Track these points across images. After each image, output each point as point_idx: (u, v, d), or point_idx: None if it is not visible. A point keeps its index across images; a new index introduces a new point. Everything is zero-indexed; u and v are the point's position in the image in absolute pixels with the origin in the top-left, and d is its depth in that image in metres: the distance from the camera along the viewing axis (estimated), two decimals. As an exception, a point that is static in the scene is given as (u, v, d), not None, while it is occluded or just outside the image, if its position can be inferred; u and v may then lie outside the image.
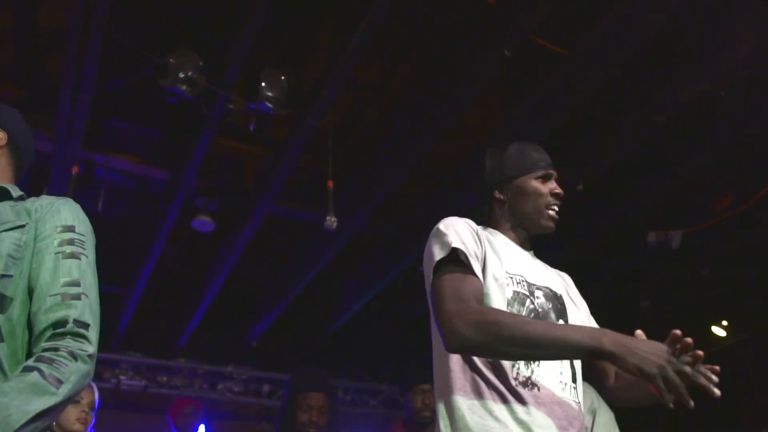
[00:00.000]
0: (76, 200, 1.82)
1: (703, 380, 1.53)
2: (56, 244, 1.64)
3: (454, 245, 1.81)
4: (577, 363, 1.89)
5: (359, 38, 3.57)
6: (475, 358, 1.77)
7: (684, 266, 5.84)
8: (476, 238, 1.90)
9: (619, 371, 1.93)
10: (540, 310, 1.86)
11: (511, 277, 1.87)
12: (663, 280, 6.11)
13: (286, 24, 3.96)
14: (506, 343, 1.61)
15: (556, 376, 1.79)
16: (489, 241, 1.94)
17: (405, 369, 3.99)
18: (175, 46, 3.78)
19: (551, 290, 1.95)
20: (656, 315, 6.35)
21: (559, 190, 2.07)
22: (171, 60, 3.73)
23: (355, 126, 4.74)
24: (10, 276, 1.57)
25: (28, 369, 1.45)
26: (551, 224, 2.06)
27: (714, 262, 5.77)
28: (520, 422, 1.68)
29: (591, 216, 5.19)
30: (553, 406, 1.74)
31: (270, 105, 3.92)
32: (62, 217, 1.69)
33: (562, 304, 1.94)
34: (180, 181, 4.59)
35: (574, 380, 1.84)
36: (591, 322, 2.07)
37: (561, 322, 1.88)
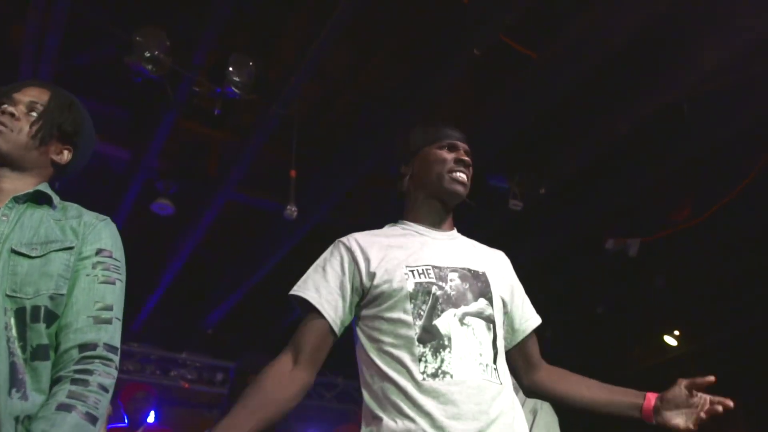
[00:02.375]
0: None
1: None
2: (94, 267, 1.66)
3: (296, 292, 1.91)
4: (500, 342, 1.85)
5: (330, 29, 3.56)
6: (382, 366, 1.78)
7: (640, 274, 5.94)
8: (351, 261, 1.90)
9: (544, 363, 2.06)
10: (453, 292, 1.82)
11: (412, 270, 1.85)
12: (619, 287, 6.20)
13: (257, 10, 3.92)
14: None
15: (473, 359, 1.75)
16: (387, 244, 1.93)
17: None
18: (142, 24, 3.71)
19: (470, 270, 1.89)
20: (611, 321, 6.45)
21: (464, 157, 2.00)
22: (137, 38, 3.66)
23: (322, 117, 4.72)
24: (62, 295, 1.59)
25: (65, 408, 1.47)
26: (456, 187, 1.98)
27: (670, 272, 5.86)
28: (426, 415, 1.68)
29: (551, 220, 5.24)
30: (470, 392, 1.71)
31: (236, 90, 3.87)
32: (102, 240, 1.71)
33: (485, 281, 1.88)
34: (141, 162, 4.52)
35: (495, 361, 1.80)
36: (525, 304, 2.06)
37: (481, 300, 1.84)
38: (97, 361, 1.56)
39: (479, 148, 4.46)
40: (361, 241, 1.95)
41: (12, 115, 1.71)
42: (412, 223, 2.02)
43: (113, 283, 1.68)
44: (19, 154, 1.71)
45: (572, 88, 4.01)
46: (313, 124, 4.70)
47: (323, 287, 1.88)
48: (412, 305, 1.79)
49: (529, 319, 2.04)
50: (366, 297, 1.86)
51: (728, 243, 5.56)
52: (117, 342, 1.63)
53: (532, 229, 5.33)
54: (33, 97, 1.77)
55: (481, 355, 1.77)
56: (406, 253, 1.90)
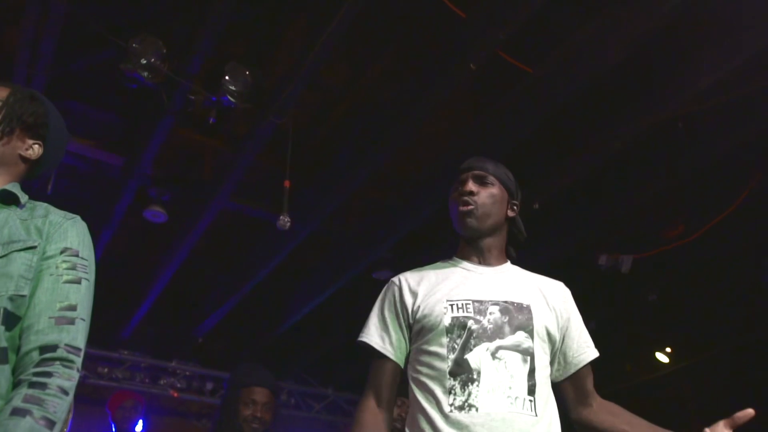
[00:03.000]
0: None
1: None
2: (58, 267, 1.62)
3: (363, 339, 2.06)
4: (540, 374, 1.88)
5: (327, 39, 3.56)
6: (418, 396, 1.91)
7: (632, 291, 5.93)
8: (399, 299, 2.04)
9: (598, 398, 2.07)
10: (490, 326, 1.88)
11: (452, 304, 1.93)
12: (611, 303, 6.19)
13: (254, 19, 3.93)
14: None
15: (502, 392, 1.81)
16: (435, 280, 2.03)
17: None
18: (139, 31, 3.70)
19: (513, 303, 1.94)
20: (602, 337, 6.42)
21: (465, 188, 2.06)
22: (134, 45, 3.66)
23: (317, 128, 4.72)
24: (23, 296, 1.56)
25: (20, 413, 1.42)
26: (464, 221, 2.05)
27: (662, 289, 5.86)
28: None
29: (544, 235, 5.24)
30: (494, 424, 1.76)
31: (232, 99, 3.87)
32: (68, 239, 1.67)
33: (528, 314, 1.93)
34: (135, 168, 4.51)
35: (531, 393, 1.84)
36: (581, 337, 2.08)
37: (519, 333, 1.89)
38: (57, 362, 1.52)
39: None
40: (410, 278, 2.07)
41: None
42: (459, 260, 2.11)
43: (79, 282, 1.64)
44: None
45: (567, 104, 4.01)
46: (308, 134, 4.70)
47: (385, 332, 2.03)
48: (447, 339, 1.89)
49: (583, 352, 2.06)
50: (412, 330, 2.00)
51: (721, 260, 5.57)
52: (80, 343, 1.58)
53: (524, 243, 5.32)
54: None
55: (510, 388, 1.82)
56: (448, 287, 2.00)
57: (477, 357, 1.85)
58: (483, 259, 2.08)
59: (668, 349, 6.88)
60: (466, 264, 2.08)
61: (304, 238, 5.04)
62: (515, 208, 2.16)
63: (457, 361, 1.85)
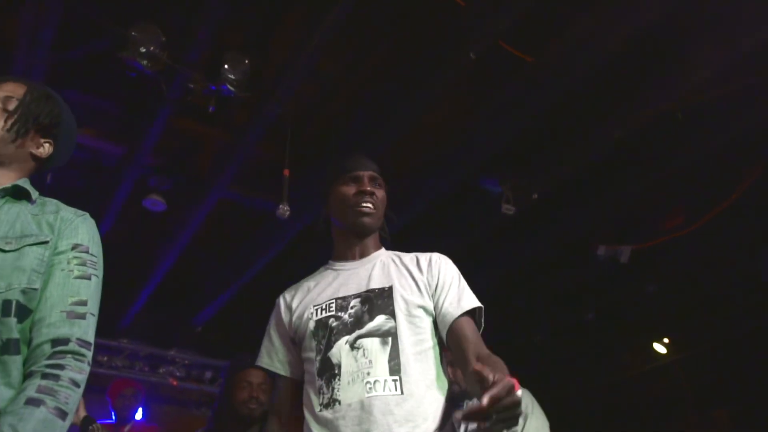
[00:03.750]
0: None
1: None
2: (69, 263, 1.66)
3: (256, 363, 2.13)
4: (406, 352, 1.84)
5: (326, 28, 3.55)
6: (303, 401, 1.94)
7: (631, 282, 5.94)
8: (280, 318, 2.09)
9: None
10: (351, 320, 1.91)
11: (318, 307, 1.99)
12: (609, 294, 6.20)
13: (253, 7, 3.91)
14: None
15: (360, 380, 1.81)
16: (308, 287, 2.09)
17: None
18: (137, 19, 3.69)
19: (374, 290, 1.96)
20: (601, 328, 6.46)
21: (365, 188, 2.08)
22: (133, 33, 3.65)
23: (316, 117, 4.70)
24: (35, 289, 1.59)
25: (34, 402, 1.46)
26: (361, 219, 2.06)
27: (661, 280, 5.87)
28: None
29: (542, 225, 5.24)
30: (354, 414, 1.78)
31: (231, 88, 3.86)
32: (79, 235, 1.71)
33: (388, 296, 1.93)
34: (134, 157, 4.50)
35: (395, 372, 1.82)
36: (449, 294, 1.96)
37: (379, 317, 1.89)
38: (69, 356, 1.56)
39: (473, 152, 4.49)
40: (287, 295, 2.12)
41: None
42: (333, 262, 2.15)
43: (89, 278, 1.67)
44: None
45: (567, 93, 4.01)
46: (307, 123, 4.69)
47: (272, 350, 2.08)
48: (315, 341, 1.93)
49: (451, 310, 1.93)
50: (295, 343, 2.03)
51: (720, 251, 5.58)
52: (90, 337, 1.63)
53: (524, 233, 5.32)
54: (8, 92, 1.77)
55: (368, 374, 1.82)
56: (317, 292, 2.05)
57: (337, 351, 1.87)
58: (353, 255, 2.11)
59: (666, 340, 6.90)
60: (338, 264, 2.11)
61: (302, 227, 5.04)
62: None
63: (322, 360, 1.88)
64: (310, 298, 2.03)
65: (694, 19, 3.60)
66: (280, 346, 2.07)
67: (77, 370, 1.56)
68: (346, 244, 2.13)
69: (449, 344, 1.93)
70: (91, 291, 1.67)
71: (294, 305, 2.06)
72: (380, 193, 2.11)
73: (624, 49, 3.67)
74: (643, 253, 5.31)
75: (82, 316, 1.62)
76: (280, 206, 4.27)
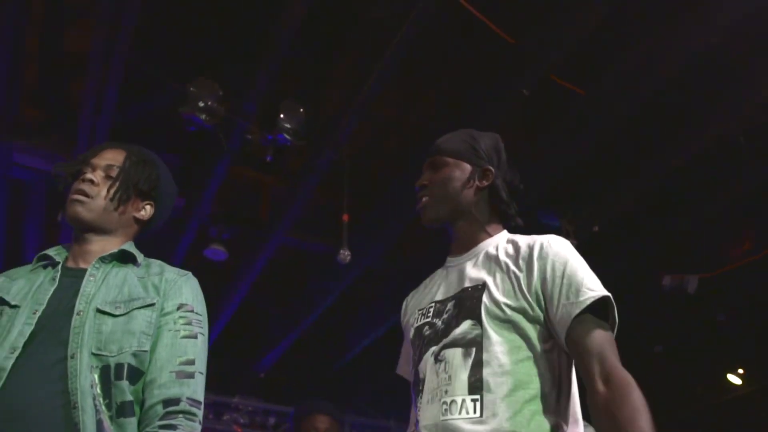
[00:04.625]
0: None
1: None
2: (175, 323, 1.70)
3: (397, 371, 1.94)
4: (491, 365, 1.52)
5: (379, 74, 3.59)
6: None
7: (699, 311, 5.77)
8: (402, 323, 1.90)
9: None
10: (442, 326, 1.64)
11: (420, 312, 1.76)
12: (677, 325, 6.03)
13: (306, 56, 3.99)
14: None
15: (438, 399, 1.54)
16: (422, 289, 1.88)
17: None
18: (195, 75, 3.81)
19: (468, 288, 1.66)
20: (670, 361, 6.26)
21: (420, 182, 1.87)
22: (191, 88, 3.76)
23: (372, 160, 4.74)
24: (145, 351, 1.63)
25: None
26: (422, 219, 1.84)
27: (731, 308, 5.69)
28: None
29: (605, 257, 5.15)
30: None
31: (288, 136, 3.93)
32: (183, 295, 1.75)
33: (477, 296, 1.61)
34: (194, 208, 4.60)
35: (475, 390, 1.50)
36: (562, 287, 1.56)
37: (465, 323, 1.59)
38: (180, 415, 1.59)
39: (529, 187, 4.44)
40: (409, 296, 1.93)
41: (91, 182, 1.78)
42: (448, 258, 1.86)
43: (195, 337, 1.71)
44: (102, 218, 1.78)
45: (623, 123, 3.96)
46: (363, 166, 4.73)
47: (403, 357, 1.89)
48: (413, 351, 1.74)
49: (567, 307, 1.53)
50: None
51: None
52: (200, 396, 1.65)
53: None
54: (109, 160, 1.84)
55: (446, 392, 1.53)
56: (425, 293, 1.84)
57: (423, 365, 1.63)
58: (463, 247, 1.80)
59: (740, 371, 6.65)
60: (448, 260, 1.83)
61: (362, 270, 5.05)
62: (489, 174, 1.82)
63: (415, 374, 1.67)
64: (417, 302, 1.83)
65: (752, 40, 3.53)
66: (405, 353, 1.87)
67: (189, 429, 1.59)
68: (453, 237, 1.83)
69: (571, 352, 1.54)
70: (198, 349, 1.70)
71: (408, 309, 1.87)
72: (438, 177, 1.83)
73: (679, 74, 3.62)
74: (711, 282, 5.16)
75: (191, 375, 1.65)
76: (341, 251, 4.29)
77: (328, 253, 4.65)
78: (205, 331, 1.76)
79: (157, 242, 1.91)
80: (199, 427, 1.62)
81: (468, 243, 1.79)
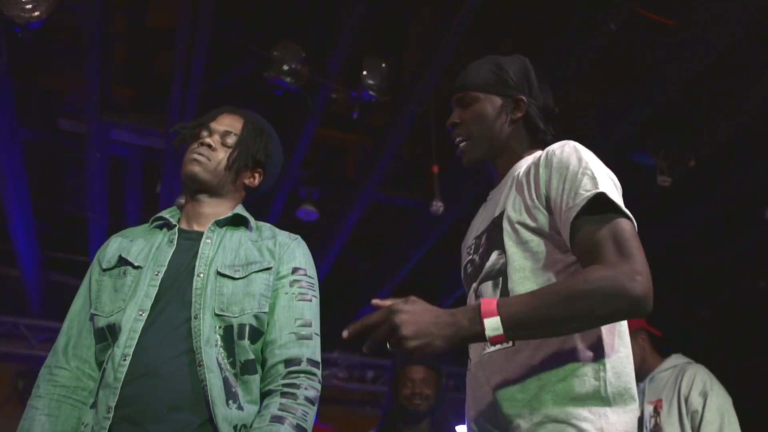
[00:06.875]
0: None
1: None
2: (291, 286, 1.76)
3: None
4: (517, 292, 1.46)
5: (458, 23, 3.54)
6: None
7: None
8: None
9: None
10: (479, 261, 1.60)
11: (467, 251, 1.71)
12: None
13: (385, 11, 3.97)
14: None
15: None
16: (469, 228, 1.79)
17: None
18: (278, 39, 3.85)
19: (493, 221, 1.60)
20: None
21: (449, 120, 1.80)
22: (275, 53, 3.81)
23: (456, 110, 4.70)
24: (265, 313, 1.70)
25: (278, 419, 1.57)
26: (462, 161, 1.78)
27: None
28: None
29: (704, 193, 4.98)
30: (474, 375, 1.54)
31: (372, 93, 3.94)
32: (297, 259, 1.80)
33: (498, 223, 1.57)
34: (285, 171, 4.69)
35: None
36: (564, 189, 1.45)
37: (493, 255, 1.55)
38: (302, 375, 1.65)
39: (620, 125, 4.34)
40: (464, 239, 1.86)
41: (209, 146, 1.84)
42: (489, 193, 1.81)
43: (310, 300, 1.76)
44: (217, 182, 1.84)
45: (717, 53, 3.78)
46: (448, 117, 4.70)
47: None
48: (467, 291, 1.68)
49: (568, 209, 1.41)
50: None
51: None
52: (318, 356, 1.71)
53: (684, 204, 5.08)
54: (227, 126, 1.90)
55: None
56: (470, 231, 1.78)
57: (469, 302, 1.60)
58: (498, 176, 1.74)
59: None
60: (489, 194, 1.76)
61: (452, 222, 5.06)
62: (521, 105, 1.71)
63: None
64: (466, 240, 1.77)
65: None
66: None
67: (311, 388, 1.65)
68: (494, 172, 1.76)
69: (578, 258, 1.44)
70: (313, 312, 1.75)
71: (462, 250, 1.78)
72: (469, 115, 1.74)
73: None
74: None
75: (309, 337, 1.71)
76: (434, 203, 4.31)
77: (417, 206, 4.67)
78: (317, 294, 1.80)
79: (250, 206, 1.97)
80: (319, 386, 1.67)
81: (502, 171, 1.73)
